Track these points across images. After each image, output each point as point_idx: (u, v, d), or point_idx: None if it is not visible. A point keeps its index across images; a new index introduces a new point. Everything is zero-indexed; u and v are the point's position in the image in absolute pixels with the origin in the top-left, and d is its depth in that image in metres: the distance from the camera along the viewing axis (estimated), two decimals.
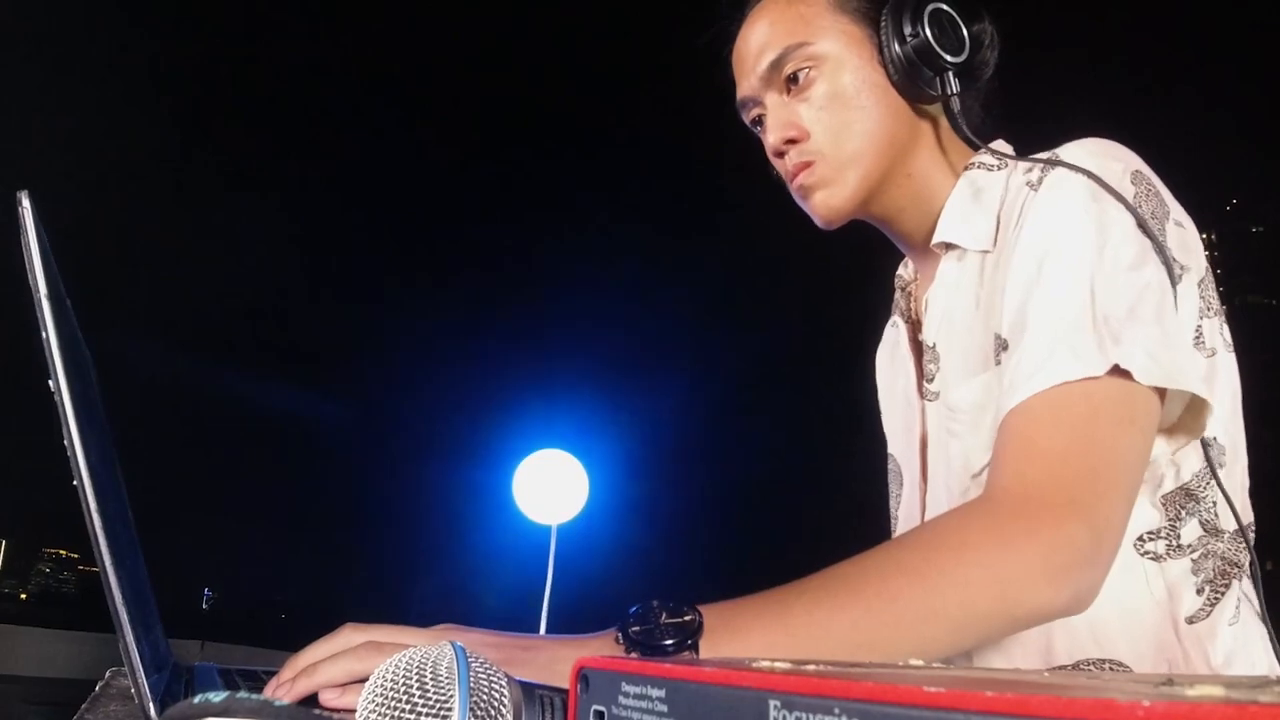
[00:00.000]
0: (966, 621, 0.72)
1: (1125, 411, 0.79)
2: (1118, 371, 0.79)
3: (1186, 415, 0.87)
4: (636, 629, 0.67)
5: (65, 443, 0.56)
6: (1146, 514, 0.90)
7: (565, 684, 0.41)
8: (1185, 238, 0.90)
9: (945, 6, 0.99)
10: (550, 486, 4.81)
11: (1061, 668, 0.90)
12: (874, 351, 1.23)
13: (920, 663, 0.35)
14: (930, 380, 1.03)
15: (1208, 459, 0.90)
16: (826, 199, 1.01)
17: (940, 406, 1.01)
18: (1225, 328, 0.94)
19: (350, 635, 0.69)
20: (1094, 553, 0.76)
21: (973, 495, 0.94)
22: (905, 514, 1.11)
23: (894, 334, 1.17)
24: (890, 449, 1.18)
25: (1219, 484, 0.90)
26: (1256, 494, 0.96)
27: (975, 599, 0.72)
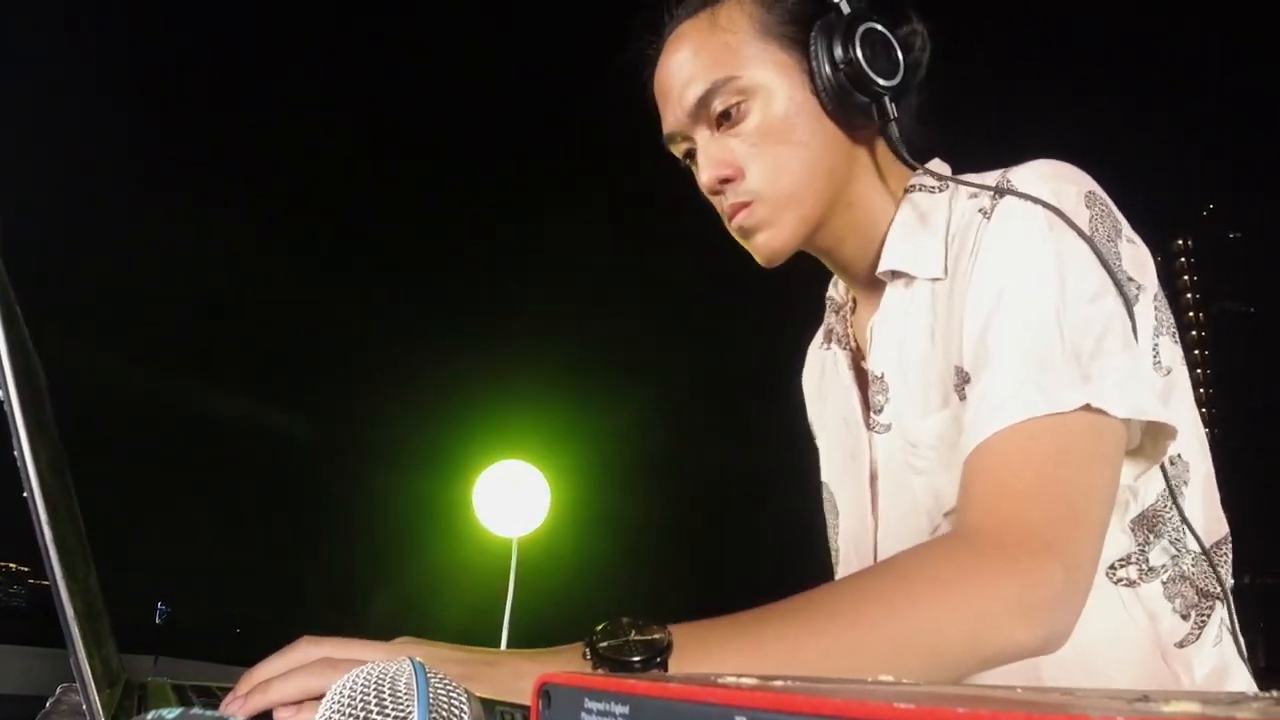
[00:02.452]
0: (939, 656, 0.72)
1: (1095, 447, 0.79)
2: (1088, 408, 0.78)
3: (1147, 440, 0.87)
4: (604, 645, 0.66)
5: (15, 453, 0.55)
6: (1116, 540, 0.89)
7: (527, 700, 0.40)
8: (1138, 254, 0.90)
9: (877, 25, 0.94)
10: (511, 498, 4.79)
11: None
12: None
13: (890, 679, 0.35)
14: (879, 411, 1.00)
15: (1168, 481, 0.89)
16: (767, 241, 0.96)
17: (895, 439, 0.98)
18: (1178, 341, 0.93)
19: (307, 649, 0.68)
20: (1068, 593, 0.75)
21: (944, 532, 0.92)
22: (853, 548, 1.08)
23: (825, 357, 1.14)
24: (823, 476, 1.15)
25: (1178, 507, 0.89)
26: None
27: (950, 634, 0.71)
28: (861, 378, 1.04)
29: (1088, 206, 0.87)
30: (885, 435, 1.00)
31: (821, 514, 1.23)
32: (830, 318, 1.12)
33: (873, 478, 1.02)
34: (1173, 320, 0.93)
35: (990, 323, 0.84)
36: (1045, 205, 0.86)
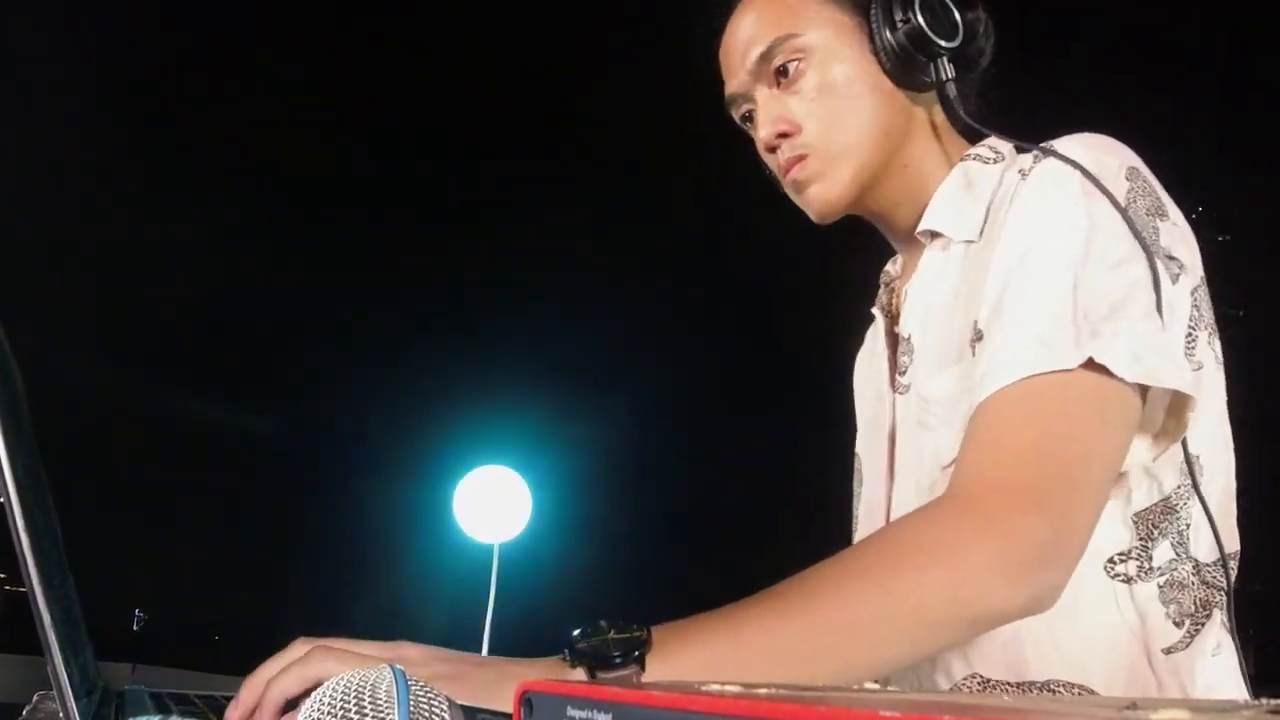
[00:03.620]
0: (923, 626, 0.71)
1: (1099, 409, 0.77)
2: (1094, 366, 0.76)
3: (1169, 419, 0.84)
4: (583, 644, 0.66)
5: None
6: (1117, 533, 0.87)
7: (508, 707, 0.40)
8: (1183, 237, 0.88)
9: None
10: (492, 504, 4.77)
11: (1032, 684, 0.88)
12: (850, 360, 1.20)
13: (876, 686, 0.35)
14: (903, 373, 1.00)
15: (1191, 472, 0.86)
16: (821, 193, 0.98)
17: (912, 398, 0.98)
18: (1216, 341, 0.91)
19: (302, 647, 0.68)
20: (1054, 550, 0.74)
21: (942, 488, 0.88)
22: (868, 510, 1.07)
23: (873, 333, 1.14)
24: (856, 447, 1.14)
25: (1200, 497, 0.86)
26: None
27: (929, 601, 0.70)
28: (894, 342, 1.04)
29: (1128, 179, 0.87)
30: (905, 395, 0.99)
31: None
32: (881, 289, 1.12)
33: (892, 439, 1.02)
34: (1213, 318, 0.90)
35: (1011, 281, 0.84)
36: (1083, 171, 0.85)
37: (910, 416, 0.98)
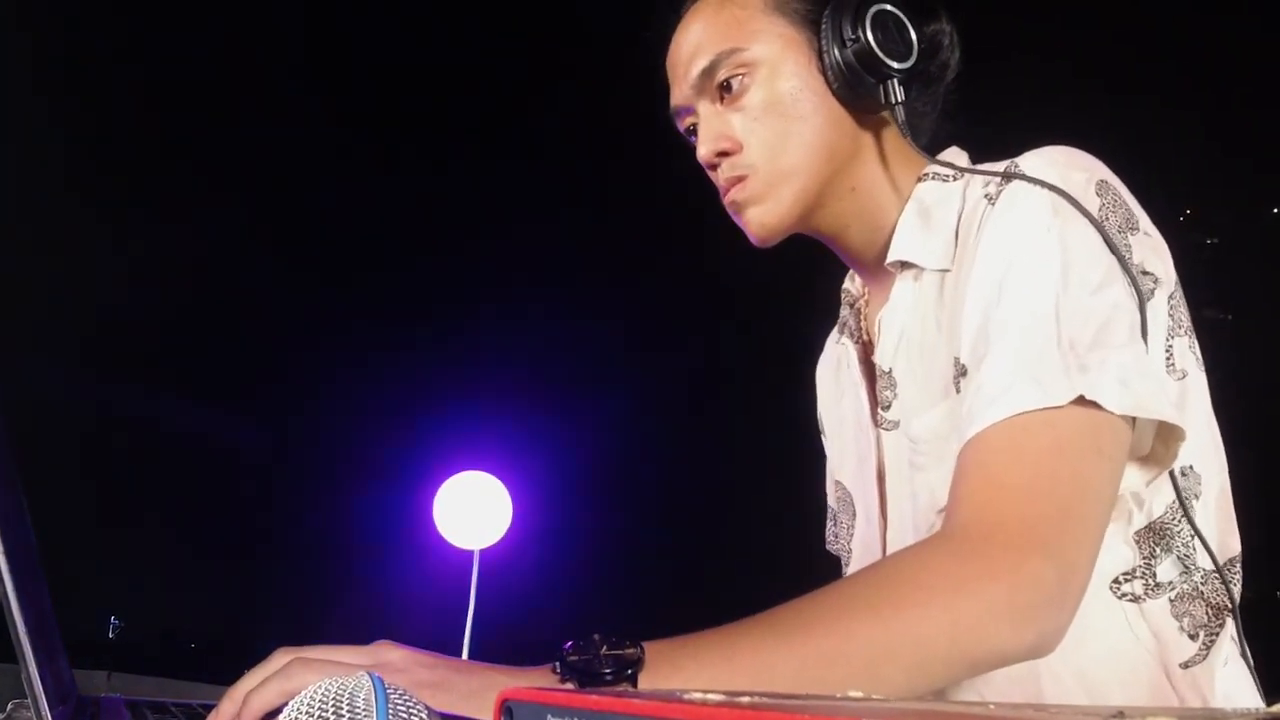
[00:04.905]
0: (922, 664, 0.69)
1: (1092, 442, 0.76)
2: (1084, 401, 0.75)
3: (1158, 444, 0.83)
4: (574, 659, 0.65)
5: None
6: (1120, 553, 0.86)
7: (489, 716, 0.40)
8: (1155, 248, 0.87)
9: (891, 8, 0.92)
10: (472, 510, 4.76)
11: None
12: (814, 366, 1.18)
13: (859, 694, 0.35)
14: (886, 408, 0.97)
15: (1177, 491, 0.85)
16: (760, 216, 0.94)
17: (900, 437, 0.96)
18: (1195, 344, 0.89)
19: (282, 658, 0.67)
20: (1060, 593, 0.72)
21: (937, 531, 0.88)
22: (862, 549, 1.05)
23: (839, 351, 1.10)
24: (837, 475, 1.12)
25: (1189, 519, 0.85)
26: None
27: (931, 642, 0.69)
28: (870, 372, 1.01)
29: (1098, 194, 0.84)
30: (892, 433, 0.97)
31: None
32: (844, 310, 1.09)
33: (880, 477, 1.00)
34: (1189, 321, 0.89)
35: (990, 314, 0.82)
36: (1052, 189, 0.83)
37: (901, 457, 0.96)
